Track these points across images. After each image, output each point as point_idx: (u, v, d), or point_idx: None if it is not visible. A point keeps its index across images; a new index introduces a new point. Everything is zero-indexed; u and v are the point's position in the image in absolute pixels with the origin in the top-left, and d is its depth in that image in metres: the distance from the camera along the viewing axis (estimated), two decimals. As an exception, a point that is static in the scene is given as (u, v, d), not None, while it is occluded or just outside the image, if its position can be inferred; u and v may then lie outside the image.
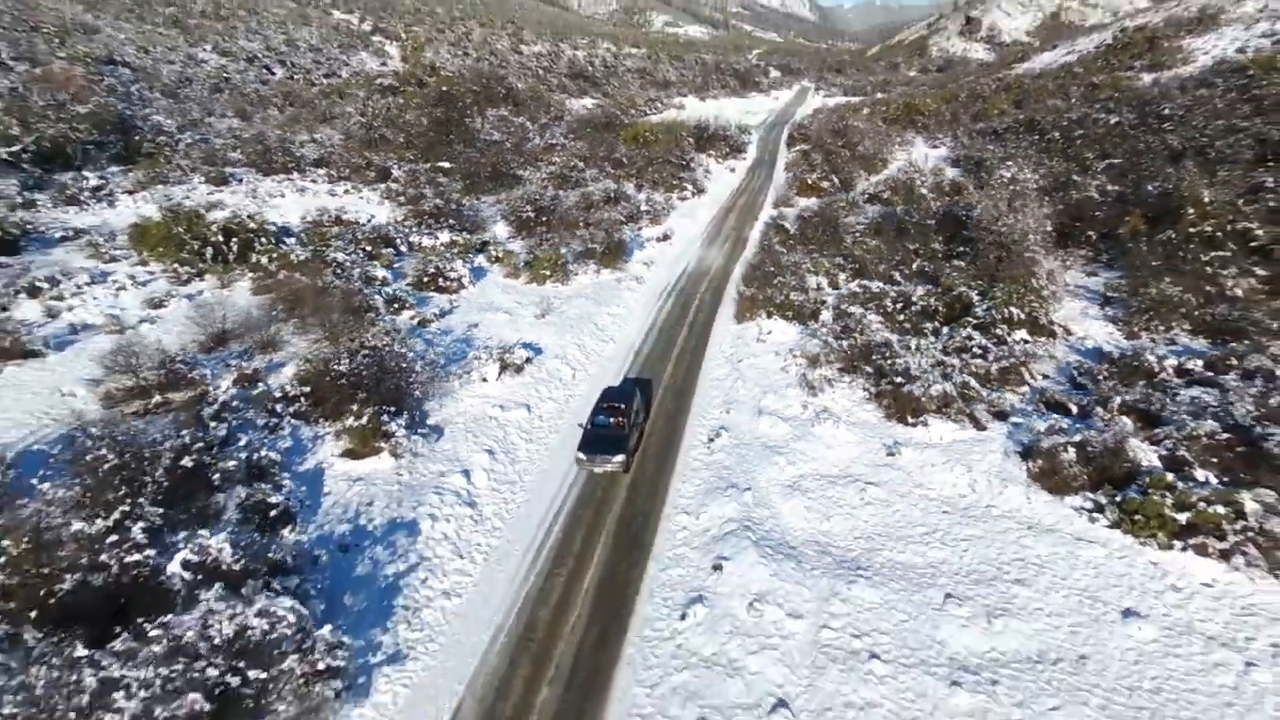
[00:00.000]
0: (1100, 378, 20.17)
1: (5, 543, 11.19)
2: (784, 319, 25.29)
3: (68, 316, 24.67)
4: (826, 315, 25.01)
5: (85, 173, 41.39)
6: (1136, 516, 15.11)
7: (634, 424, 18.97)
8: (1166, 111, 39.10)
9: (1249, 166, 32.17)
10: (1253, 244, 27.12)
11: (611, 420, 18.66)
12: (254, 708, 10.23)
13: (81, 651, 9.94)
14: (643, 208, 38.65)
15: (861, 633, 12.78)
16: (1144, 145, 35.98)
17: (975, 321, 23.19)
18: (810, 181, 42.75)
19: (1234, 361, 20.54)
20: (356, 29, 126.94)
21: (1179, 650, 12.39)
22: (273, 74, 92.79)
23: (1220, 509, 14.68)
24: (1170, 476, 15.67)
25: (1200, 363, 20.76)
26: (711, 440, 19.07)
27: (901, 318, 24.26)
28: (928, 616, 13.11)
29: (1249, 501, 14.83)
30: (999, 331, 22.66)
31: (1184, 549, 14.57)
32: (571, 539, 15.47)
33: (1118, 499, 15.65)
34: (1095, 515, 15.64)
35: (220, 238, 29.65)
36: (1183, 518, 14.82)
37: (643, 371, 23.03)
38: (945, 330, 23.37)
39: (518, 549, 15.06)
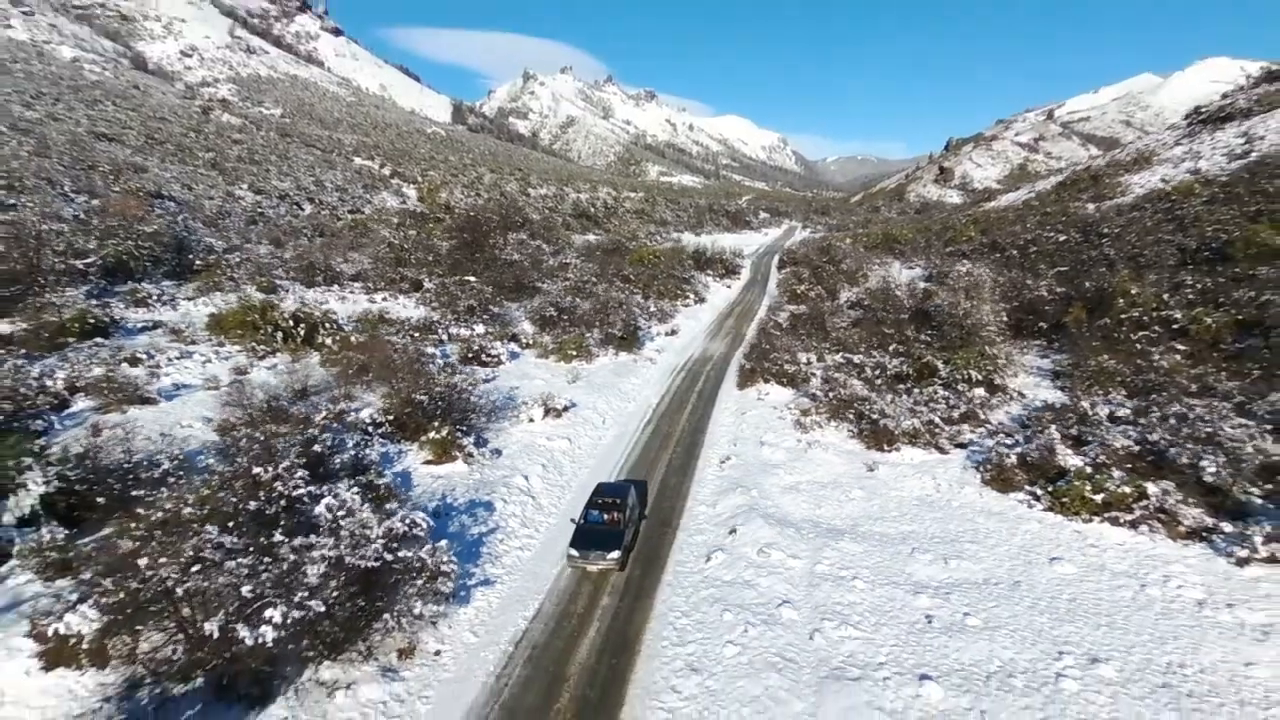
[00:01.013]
0: (1043, 418, 25.03)
1: (213, 481, 15.62)
2: (779, 384, 30.40)
3: (168, 379, 29.55)
4: (816, 380, 30.11)
5: (144, 284, 47.51)
6: (1064, 499, 19.53)
7: (630, 520, 18.76)
8: (1105, 230, 46.42)
9: (1172, 270, 38.61)
10: (1174, 326, 32.82)
11: (606, 516, 18.54)
12: (394, 583, 14.29)
13: (279, 538, 14.16)
14: (651, 309, 44.63)
15: (847, 567, 16.92)
16: (1085, 256, 42.78)
17: (941, 380, 28.32)
18: (799, 291, 49.29)
19: (1155, 409, 25.48)
20: (377, 173, 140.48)
21: (1091, 579, 16.51)
22: (302, 210, 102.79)
23: (1127, 489, 19.16)
24: (1090, 470, 20.23)
25: (1128, 410, 25.68)
26: (722, 462, 23.59)
27: (879, 381, 29.37)
28: (898, 560, 17.27)
29: (1150, 486, 19.34)
30: (960, 388, 27.73)
31: (1101, 521, 18.90)
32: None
33: (1050, 489, 20.11)
34: (1033, 502, 20.05)
35: (290, 323, 35.13)
36: (1099, 498, 19.26)
37: (660, 423, 27.79)
38: (915, 389, 28.41)
39: (549, 556, 19.25)
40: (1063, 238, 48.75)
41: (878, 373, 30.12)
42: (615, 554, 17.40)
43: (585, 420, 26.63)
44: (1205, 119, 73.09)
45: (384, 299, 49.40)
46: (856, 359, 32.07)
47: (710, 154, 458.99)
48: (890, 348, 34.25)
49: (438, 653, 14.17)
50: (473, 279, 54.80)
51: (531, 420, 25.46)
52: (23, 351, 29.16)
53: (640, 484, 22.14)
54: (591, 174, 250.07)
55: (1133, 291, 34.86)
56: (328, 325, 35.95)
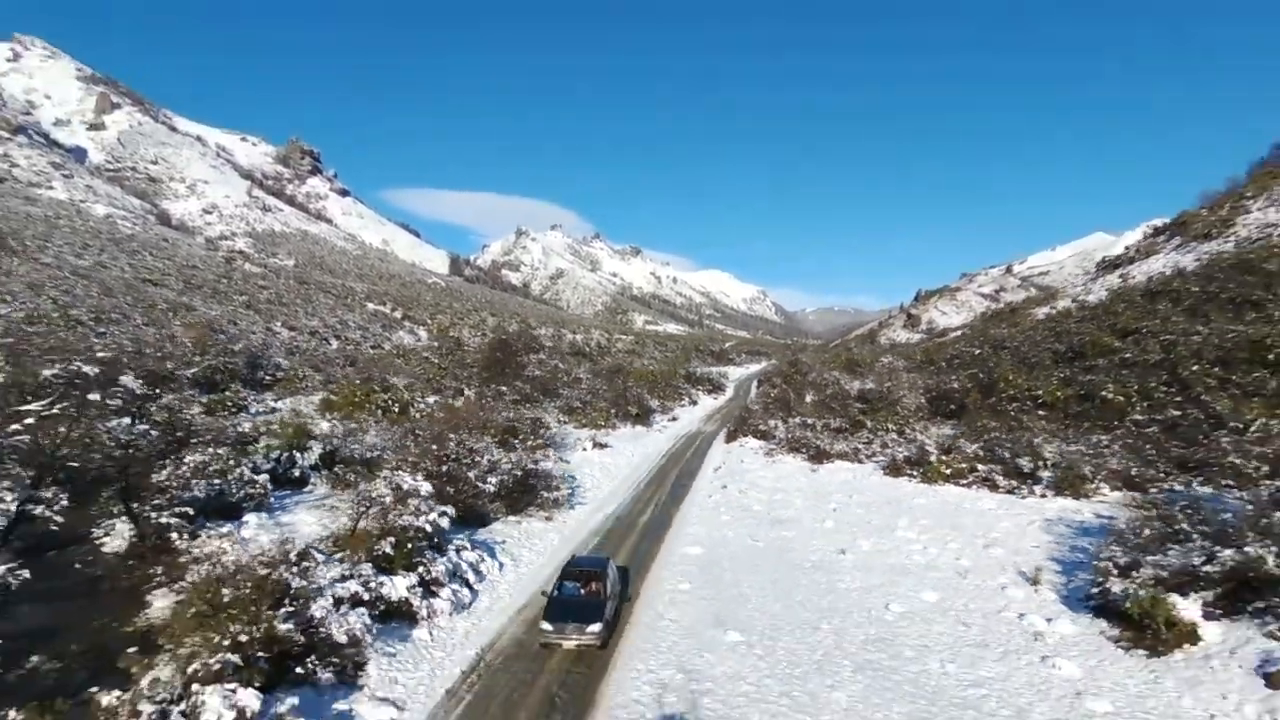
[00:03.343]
0: (926, 444, 38.49)
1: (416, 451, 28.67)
2: (755, 437, 43.77)
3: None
4: (780, 434, 43.58)
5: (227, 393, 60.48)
6: (927, 474, 32.71)
7: (611, 595, 16.62)
8: (1007, 344, 61.81)
9: (1048, 367, 53.35)
10: (1039, 399, 46.96)
11: (584, 589, 16.61)
12: (532, 489, 27.12)
13: (482, 460, 27.12)
14: (654, 405, 58.44)
15: (790, 500, 29.85)
16: (989, 361, 57.77)
17: (866, 430, 41.92)
18: (773, 395, 63.52)
19: (999, 437, 39.03)
20: (390, 316, 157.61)
21: (935, 501, 29.43)
22: (330, 344, 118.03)
23: (964, 466, 32.45)
24: (945, 457, 33.55)
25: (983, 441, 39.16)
26: (715, 470, 36.67)
27: (823, 432, 42.92)
28: (822, 499, 30.18)
29: (979, 465, 32.63)
30: (879, 434, 41.28)
31: (946, 483, 32.00)
32: (653, 484, 32.56)
33: (920, 470, 33.31)
34: (912, 476, 33.16)
35: (388, 402, 48.38)
36: (948, 471, 32.47)
37: (669, 459, 40.82)
38: (848, 434, 41.91)
39: (631, 478, 32.11)
40: (977, 351, 64.08)
41: (823, 427, 43.68)
42: (596, 627, 15.25)
43: (619, 452, 39.73)
44: (1106, 265, 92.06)
45: (435, 400, 62.74)
46: (810, 422, 45.69)
47: (694, 304, 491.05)
48: (836, 418, 48.03)
49: (559, 517, 26.80)
50: (504, 388, 68.50)
51: (585, 449, 38.53)
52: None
53: (623, 569, 20.33)
54: (582, 320, 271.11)
55: (1010, 378, 49.35)
56: (416, 402, 49.18)
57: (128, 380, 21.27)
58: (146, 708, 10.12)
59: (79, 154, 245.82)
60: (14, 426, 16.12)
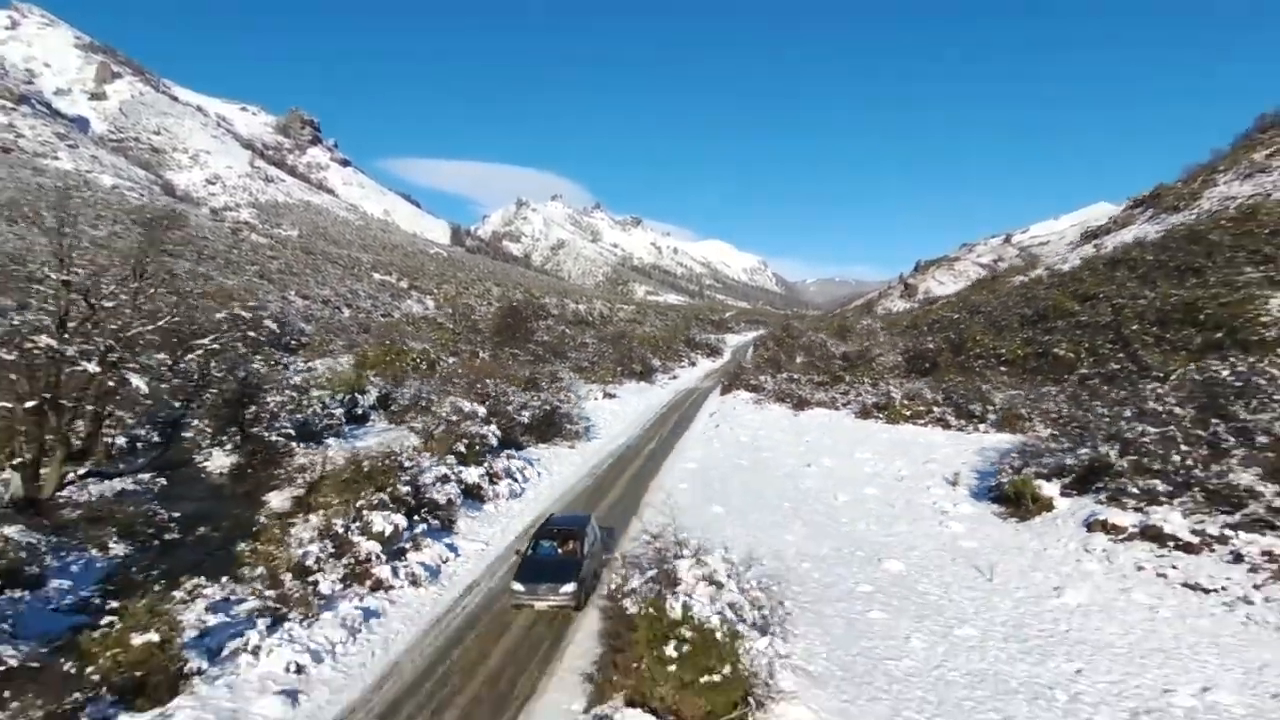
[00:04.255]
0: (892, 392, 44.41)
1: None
2: (747, 390, 49.72)
3: (355, 385, 48.16)
4: (770, 386, 49.53)
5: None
6: (892, 415, 38.68)
7: (590, 553, 16.25)
8: (982, 310, 67.57)
9: (1016, 329, 59.12)
10: (1002, 358, 52.81)
11: (560, 549, 16.15)
12: (556, 424, 33.10)
13: (516, 400, 33.11)
14: (656, 364, 64.37)
15: (773, 435, 35.83)
16: (963, 324, 63.55)
17: (846, 381, 47.86)
18: (767, 355, 69.41)
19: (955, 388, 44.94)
20: (396, 285, 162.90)
21: (897, 438, 35.38)
22: (343, 313, 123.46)
23: (923, 409, 38.42)
24: (908, 402, 39.50)
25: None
26: (711, 415, 42.64)
27: (808, 385, 48.85)
28: (799, 433, 36.19)
29: (934, 407, 38.59)
30: (856, 386, 47.20)
31: (905, 423, 37.97)
32: (656, 424, 38.58)
33: (886, 412, 39.29)
34: (878, 418, 39.15)
35: (417, 359, 54.19)
36: (908, 413, 38.44)
37: (671, 409, 46.75)
38: (828, 387, 47.84)
39: (638, 420, 38.04)
40: (955, 316, 69.89)
41: (807, 381, 49.65)
42: (570, 587, 14.79)
43: (626, 402, 45.81)
44: (1089, 235, 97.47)
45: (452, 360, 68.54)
46: (796, 377, 51.64)
47: (694, 275, 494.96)
48: (820, 374, 53.97)
49: (579, 446, 32.83)
50: (517, 351, 74.29)
51: (596, 399, 44.52)
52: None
53: (608, 528, 20.21)
54: (584, 291, 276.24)
55: (978, 339, 55.18)
56: (443, 361, 55.05)
57: (269, 323, 26.89)
58: (337, 522, 16.02)
59: (81, 124, 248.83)
60: (189, 357, 21.97)
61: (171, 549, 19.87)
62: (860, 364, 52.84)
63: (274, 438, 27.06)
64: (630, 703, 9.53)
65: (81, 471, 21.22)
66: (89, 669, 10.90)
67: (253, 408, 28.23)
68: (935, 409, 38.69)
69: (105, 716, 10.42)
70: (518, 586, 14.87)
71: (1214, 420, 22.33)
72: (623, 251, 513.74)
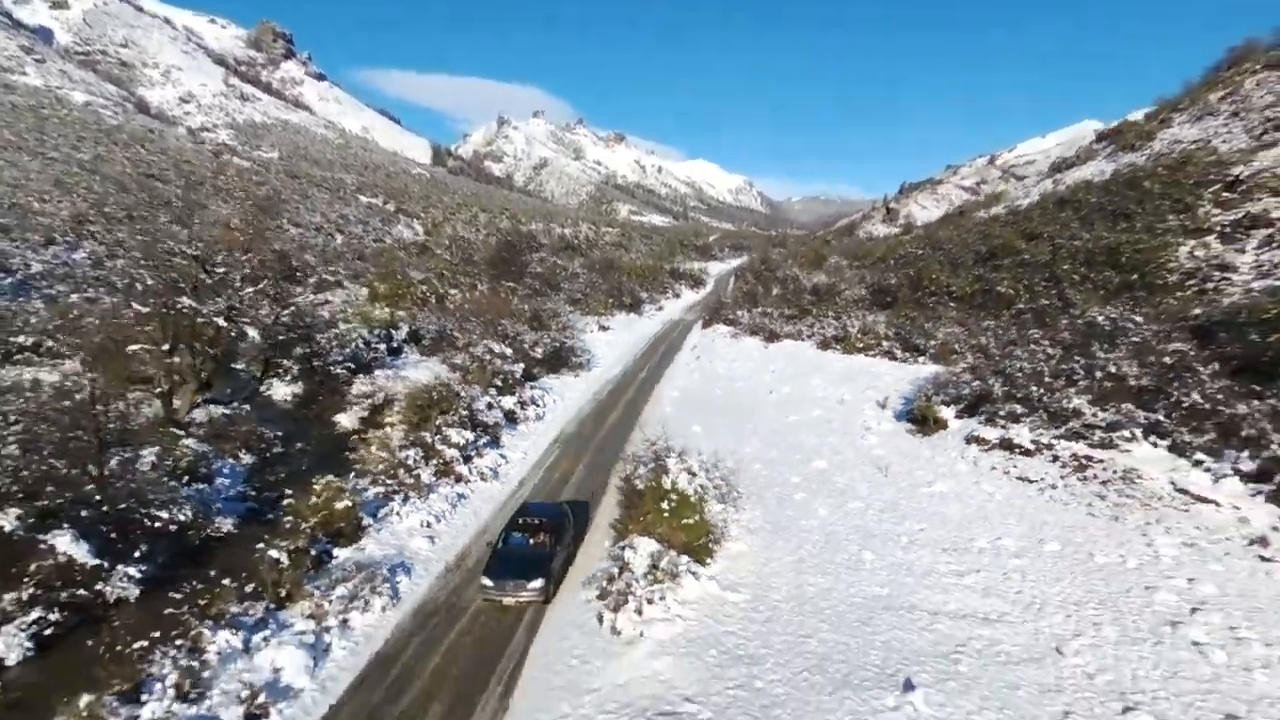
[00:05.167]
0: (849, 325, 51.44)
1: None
2: (725, 324, 56.57)
3: (375, 318, 54.46)
4: (745, 320, 56.37)
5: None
6: (847, 346, 45.78)
7: (562, 545, 17.09)
8: (944, 246, 74.13)
9: (969, 266, 65.86)
10: (954, 294, 59.73)
11: (531, 540, 16.81)
12: (564, 357, 39.90)
13: (528, 336, 39.78)
14: (644, 296, 70.86)
15: (743, 368, 42.89)
16: (924, 260, 70.18)
17: (812, 315, 54.79)
18: (745, 288, 75.94)
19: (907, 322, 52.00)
20: (382, 209, 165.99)
21: (848, 367, 42.51)
22: (335, 240, 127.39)
23: (873, 341, 45.52)
24: (861, 335, 46.56)
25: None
26: (693, 349, 49.57)
27: (779, 319, 55.72)
28: (766, 361, 43.25)
29: (884, 341, 45.67)
30: (821, 319, 54.13)
31: (860, 353, 45.11)
32: (645, 355, 45.50)
33: (843, 344, 46.37)
34: (836, 349, 46.26)
35: (425, 293, 60.31)
36: (860, 345, 45.55)
37: (658, 340, 53.56)
38: (797, 320, 54.77)
39: (630, 352, 44.93)
40: (920, 252, 76.42)
41: (778, 315, 56.53)
42: (538, 583, 15.62)
43: (618, 334, 52.65)
44: (1055, 168, 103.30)
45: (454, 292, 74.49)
46: (770, 311, 58.48)
47: (679, 195, 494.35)
48: (791, 307, 60.81)
49: (582, 375, 39.75)
50: (513, 284, 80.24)
51: (592, 331, 51.26)
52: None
53: (582, 504, 21.36)
54: (568, 212, 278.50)
55: (934, 276, 61.99)
56: (448, 294, 61.22)
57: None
58: (425, 435, 22.91)
59: (44, 35, 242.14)
60: (249, 289, 28.33)
61: (282, 458, 26.71)
62: (827, 298, 59.62)
63: (336, 370, 33.67)
64: (641, 535, 16.63)
65: (204, 399, 28.07)
66: (302, 524, 17.88)
67: (309, 345, 34.65)
68: (885, 342, 45.79)
69: (325, 549, 17.46)
70: (486, 582, 15.73)
71: (1076, 358, 29.58)
72: (606, 170, 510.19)
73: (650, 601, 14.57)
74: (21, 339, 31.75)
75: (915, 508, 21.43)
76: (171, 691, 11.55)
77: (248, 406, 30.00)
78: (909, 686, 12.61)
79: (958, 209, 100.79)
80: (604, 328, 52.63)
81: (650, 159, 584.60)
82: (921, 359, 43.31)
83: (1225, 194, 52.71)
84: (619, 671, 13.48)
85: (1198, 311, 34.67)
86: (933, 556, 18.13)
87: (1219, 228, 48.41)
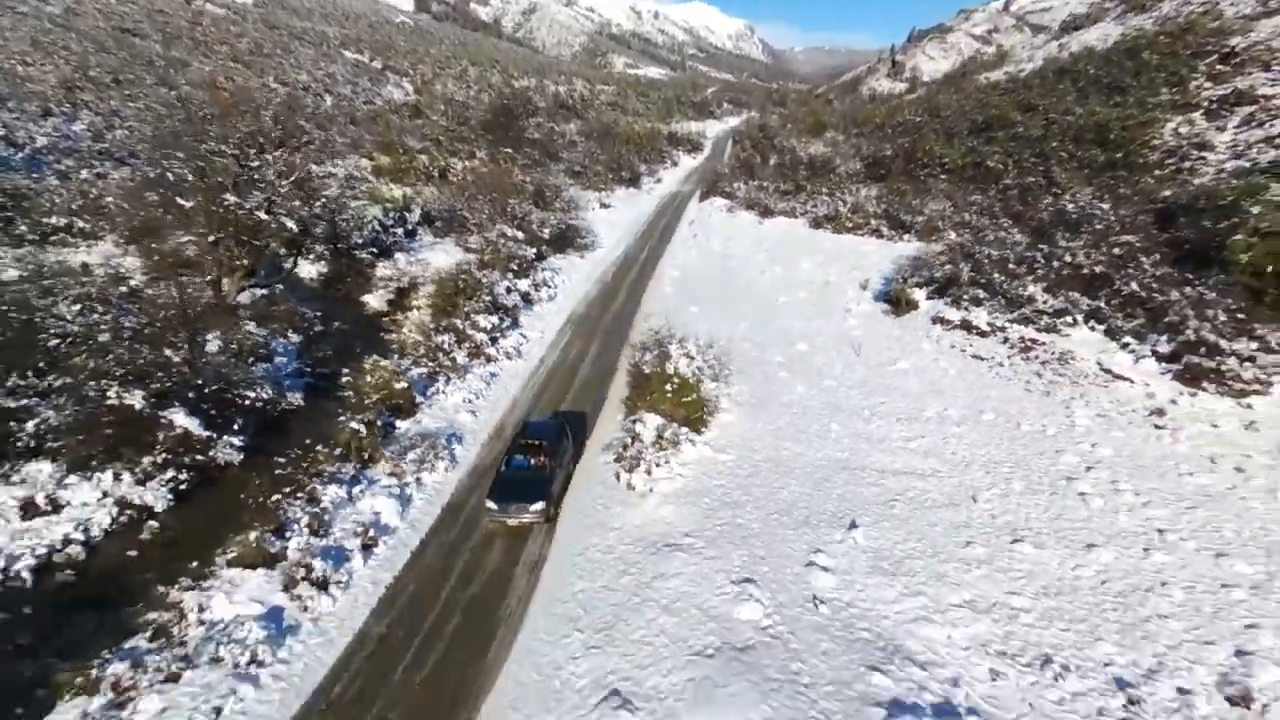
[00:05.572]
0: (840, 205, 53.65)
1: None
2: (722, 198, 58.59)
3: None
4: (741, 194, 58.35)
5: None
6: (837, 226, 48.34)
7: (561, 465, 18.41)
8: (941, 113, 74.54)
9: (965, 136, 66.89)
10: (946, 166, 61.36)
11: (531, 461, 18.06)
12: (569, 238, 42.54)
13: (534, 213, 42.25)
14: (642, 168, 72.07)
15: (739, 247, 45.65)
16: (921, 129, 70.97)
17: (806, 191, 56.79)
18: (742, 156, 76.90)
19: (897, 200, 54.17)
20: (369, 66, 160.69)
21: (837, 247, 45.27)
22: (325, 101, 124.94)
23: (862, 220, 48.03)
24: (851, 215, 49.01)
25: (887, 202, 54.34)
26: (690, 224, 52.01)
27: (774, 194, 57.71)
28: (760, 240, 45.98)
29: (872, 219, 48.17)
30: (814, 195, 56.17)
31: (848, 233, 47.75)
32: (646, 234, 48.14)
33: (833, 223, 48.90)
34: (826, 228, 48.86)
35: (428, 167, 61.70)
36: (851, 225, 48.07)
37: (658, 214, 55.79)
38: (791, 196, 56.82)
39: (631, 230, 47.60)
40: (918, 119, 76.81)
41: (772, 189, 58.49)
42: (539, 505, 16.92)
43: (619, 211, 54.83)
44: (1065, 28, 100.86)
45: (454, 162, 75.38)
46: (766, 185, 60.33)
47: (676, 43, 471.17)
48: (786, 181, 62.57)
49: (587, 255, 42.64)
50: (510, 150, 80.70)
51: (594, 209, 53.46)
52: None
53: (579, 416, 22.83)
54: (560, 65, 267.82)
55: (927, 148, 63.31)
56: (451, 170, 62.64)
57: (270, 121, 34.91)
58: (456, 321, 26.31)
59: None
60: (285, 184, 30.88)
61: (323, 336, 30.11)
62: (823, 174, 61.31)
63: (360, 255, 36.52)
64: (648, 411, 20.45)
65: (249, 284, 31.24)
66: (366, 400, 21.62)
67: (333, 227, 37.20)
68: (874, 220, 48.35)
69: (387, 421, 21.31)
70: (491, 505, 17.02)
71: (1041, 246, 32.63)
72: (600, 17, 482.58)
73: (658, 465, 18.56)
74: (54, 220, 33.75)
75: (881, 384, 25.25)
76: (306, 529, 15.65)
77: (280, 286, 33.10)
78: (853, 525, 16.81)
79: (961, 68, 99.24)
80: (605, 205, 54.73)
81: (645, 3, 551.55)
82: (907, 236, 46.03)
83: (1219, 67, 53.49)
84: (634, 516, 17.63)
85: (1167, 194, 37.24)
86: (889, 426, 22.11)
87: (1207, 104, 49.64)
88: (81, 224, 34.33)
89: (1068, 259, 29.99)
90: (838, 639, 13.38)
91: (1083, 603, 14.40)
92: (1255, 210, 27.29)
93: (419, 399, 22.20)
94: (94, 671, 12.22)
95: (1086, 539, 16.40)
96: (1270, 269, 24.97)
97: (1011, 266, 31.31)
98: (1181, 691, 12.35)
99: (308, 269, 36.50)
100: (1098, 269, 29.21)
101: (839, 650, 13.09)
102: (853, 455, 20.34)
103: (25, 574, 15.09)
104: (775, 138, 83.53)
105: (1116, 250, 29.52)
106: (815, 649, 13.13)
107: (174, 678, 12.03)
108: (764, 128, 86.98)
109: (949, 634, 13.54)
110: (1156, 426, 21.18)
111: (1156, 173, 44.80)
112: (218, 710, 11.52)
